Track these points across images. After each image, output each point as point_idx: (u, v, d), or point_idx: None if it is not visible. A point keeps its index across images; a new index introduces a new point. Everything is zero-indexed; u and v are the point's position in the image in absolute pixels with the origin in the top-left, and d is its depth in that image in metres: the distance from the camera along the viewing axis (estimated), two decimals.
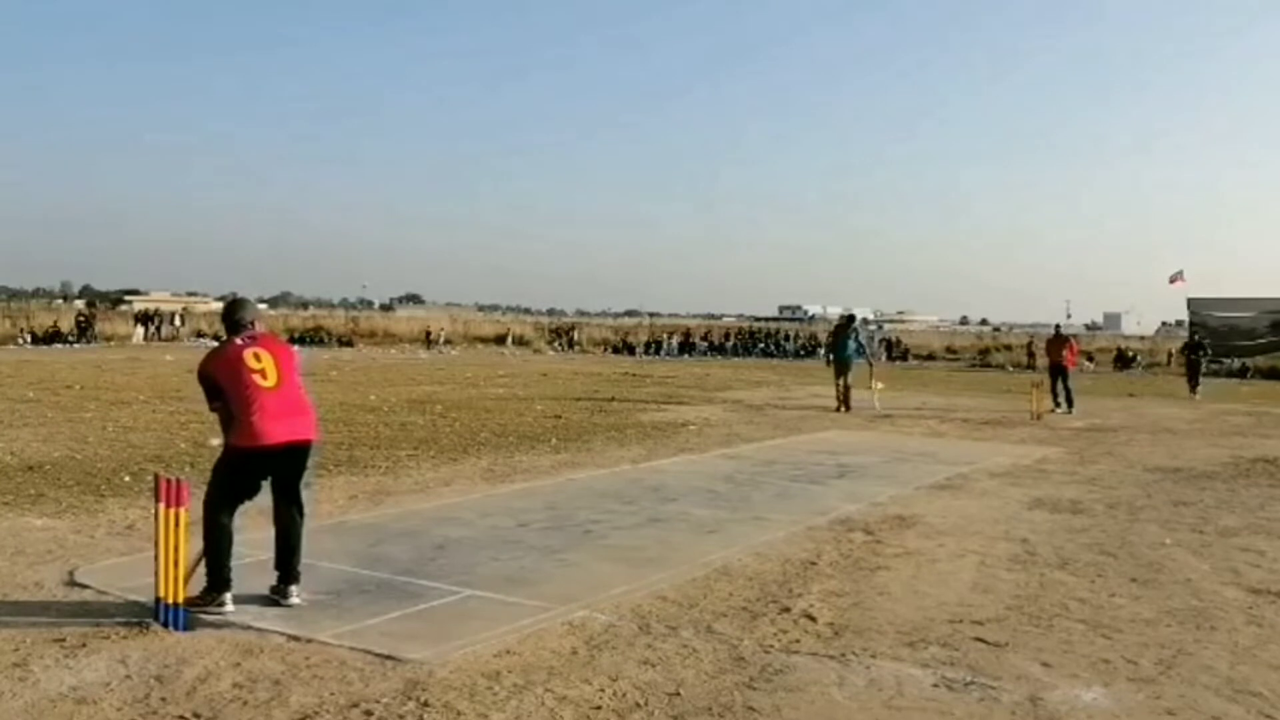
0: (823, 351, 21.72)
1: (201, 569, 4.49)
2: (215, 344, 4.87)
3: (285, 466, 4.60)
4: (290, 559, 4.62)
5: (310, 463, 4.74)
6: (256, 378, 4.49)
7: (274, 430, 4.48)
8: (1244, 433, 14.33)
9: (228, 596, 4.45)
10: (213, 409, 4.64)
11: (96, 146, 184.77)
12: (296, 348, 5.46)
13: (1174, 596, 5.21)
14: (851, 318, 17.57)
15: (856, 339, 16.64)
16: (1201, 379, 23.18)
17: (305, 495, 4.76)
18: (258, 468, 4.55)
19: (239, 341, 4.60)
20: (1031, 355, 33.29)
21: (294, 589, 4.60)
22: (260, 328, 4.80)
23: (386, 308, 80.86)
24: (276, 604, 4.55)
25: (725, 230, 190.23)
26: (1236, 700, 3.75)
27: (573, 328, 46.66)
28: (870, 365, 17.02)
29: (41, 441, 9.97)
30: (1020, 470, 9.85)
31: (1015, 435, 13.40)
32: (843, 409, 15.82)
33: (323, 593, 4.77)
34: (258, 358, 4.53)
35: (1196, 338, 25.64)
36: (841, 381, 16.07)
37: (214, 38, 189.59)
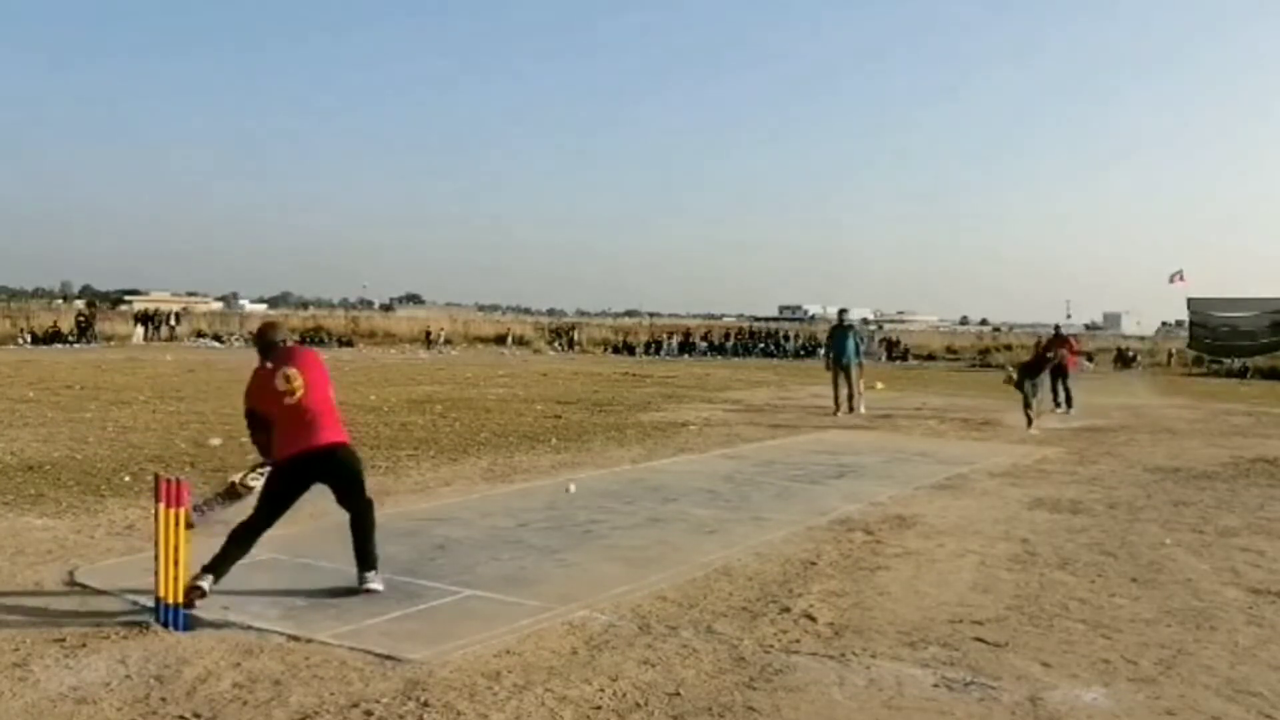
0: (823, 352, 21.35)
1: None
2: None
3: (330, 469, 4.81)
4: (365, 545, 4.82)
5: (354, 462, 4.93)
6: (286, 398, 4.74)
7: (303, 438, 4.72)
8: (1244, 433, 14.33)
9: (209, 579, 4.47)
10: (254, 441, 4.95)
11: (97, 146, 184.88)
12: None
13: (1174, 596, 5.22)
14: (843, 313, 16.94)
15: (856, 339, 16.42)
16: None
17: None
18: (301, 474, 4.75)
19: (268, 365, 4.85)
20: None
21: (371, 575, 4.79)
22: (291, 343, 5.16)
23: (386, 308, 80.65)
24: (278, 604, 4.57)
25: (725, 230, 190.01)
26: (1236, 700, 3.75)
27: (573, 328, 46.58)
28: (860, 366, 16.60)
29: (41, 441, 9.97)
30: (1020, 470, 9.85)
31: (1015, 435, 13.40)
32: (844, 408, 15.74)
33: (323, 593, 4.78)
34: (288, 379, 4.76)
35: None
36: (842, 383, 15.91)
37: (213, 36, 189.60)
